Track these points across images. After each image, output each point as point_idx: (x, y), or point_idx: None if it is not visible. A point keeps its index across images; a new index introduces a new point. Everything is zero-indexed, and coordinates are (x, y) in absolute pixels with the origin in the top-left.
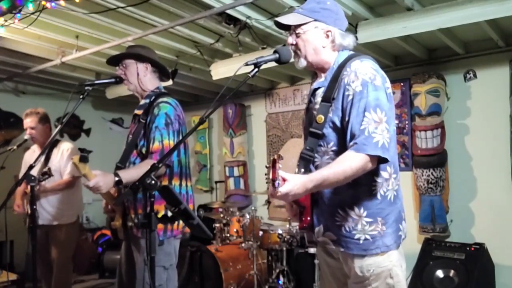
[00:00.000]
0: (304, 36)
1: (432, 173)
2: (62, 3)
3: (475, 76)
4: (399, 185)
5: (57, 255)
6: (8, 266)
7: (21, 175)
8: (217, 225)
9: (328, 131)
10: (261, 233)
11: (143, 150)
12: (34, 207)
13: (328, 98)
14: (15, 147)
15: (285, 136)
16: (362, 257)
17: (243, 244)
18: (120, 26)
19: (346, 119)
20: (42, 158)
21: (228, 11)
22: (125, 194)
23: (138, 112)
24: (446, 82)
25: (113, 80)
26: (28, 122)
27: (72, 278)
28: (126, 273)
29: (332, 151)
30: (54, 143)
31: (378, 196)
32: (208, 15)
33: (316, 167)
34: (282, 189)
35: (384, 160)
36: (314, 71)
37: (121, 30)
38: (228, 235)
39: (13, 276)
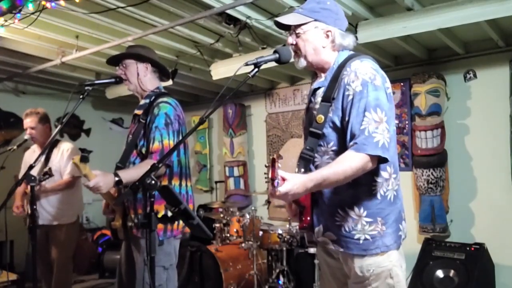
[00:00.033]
0: (304, 36)
1: (432, 173)
2: (62, 3)
3: (475, 76)
4: (399, 185)
5: (57, 255)
6: (8, 266)
7: (21, 175)
8: (217, 225)
9: (328, 131)
10: (261, 233)
11: (143, 150)
12: (34, 207)
13: (328, 98)
14: (15, 147)
15: (285, 136)
16: (362, 257)
17: (243, 244)
18: (120, 26)
19: (346, 119)
20: (42, 158)
21: (228, 11)
22: (125, 194)
23: (138, 112)
24: (446, 82)
25: (113, 80)
26: (28, 122)
27: (72, 278)
28: (126, 273)
29: (332, 151)
30: (54, 143)
31: (378, 196)
32: (208, 15)
33: (316, 167)
34: (282, 188)
35: (384, 160)
36: (314, 71)
37: (121, 30)
38: (228, 235)
39: (13, 276)
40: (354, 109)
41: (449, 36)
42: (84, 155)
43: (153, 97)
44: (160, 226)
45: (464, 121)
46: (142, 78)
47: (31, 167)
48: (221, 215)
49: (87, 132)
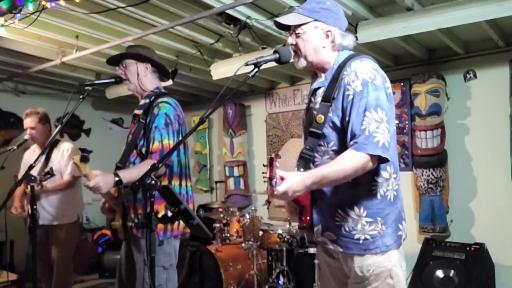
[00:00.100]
0: (304, 36)
1: (432, 173)
2: (62, 3)
3: (475, 76)
4: (399, 185)
5: (57, 255)
6: (8, 266)
7: (20, 175)
8: (217, 225)
9: (328, 131)
10: (261, 233)
11: (143, 150)
12: (34, 207)
13: (328, 98)
14: (15, 147)
15: (285, 136)
16: (362, 256)
17: (243, 244)
18: (120, 26)
19: (347, 119)
20: (42, 158)
21: (228, 11)
22: (125, 194)
23: (138, 112)
24: (446, 82)
25: (113, 80)
26: (28, 122)
27: (72, 278)
28: (126, 273)
29: (333, 150)
30: (54, 143)
31: (378, 196)
32: (208, 15)
33: (316, 167)
34: (280, 187)
35: (385, 160)
36: (314, 71)
37: (121, 30)
38: (228, 235)
39: (13, 276)
40: (355, 109)
41: (449, 36)
42: (84, 155)
43: (153, 97)
44: (160, 226)
45: (464, 121)
46: (142, 78)
47: (31, 167)
48: (221, 215)
49: (87, 132)
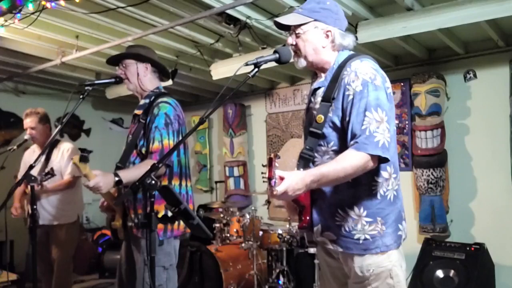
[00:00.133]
0: (304, 36)
1: (432, 173)
2: (62, 3)
3: (475, 76)
4: (399, 185)
5: (57, 254)
6: (8, 266)
7: (20, 174)
8: (217, 225)
9: (328, 131)
10: (261, 233)
11: (143, 150)
12: (35, 207)
13: (328, 98)
14: (15, 147)
15: (285, 136)
16: (361, 256)
17: (243, 244)
18: (120, 26)
19: (347, 119)
20: (42, 158)
21: (228, 11)
22: (125, 194)
23: (138, 112)
24: (446, 82)
25: (113, 80)
26: (28, 122)
27: (72, 278)
28: (126, 273)
29: (333, 150)
30: (54, 143)
31: (378, 196)
32: (208, 15)
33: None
34: (280, 188)
35: (385, 160)
36: (314, 71)
37: (121, 30)
38: (228, 235)
39: (13, 276)
40: (355, 109)
41: (449, 36)
42: (84, 155)
43: (153, 97)
44: (160, 226)
45: (464, 121)
46: (142, 78)
47: (31, 167)
48: (221, 215)
49: (87, 132)
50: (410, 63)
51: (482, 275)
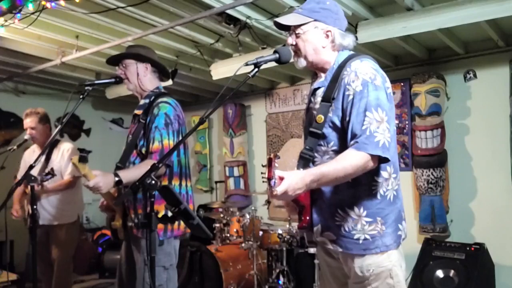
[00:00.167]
0: (304, 36)
1: (432, 173)
2: (62, 3)
3: (475, 76)
4: (399, 185)
5: (57, 254)
6: (8, 266)
7: (19, 174)
8: (217, 225)
9: (328, 131)
10: (261, 233)
11: (143, 150)
12: (35, 207)
13: (328, 98)
14: (15, 147)
15: (285, 136)
16: (361, 256)
17: (243, 244)
18: (120, 26)
19: (347, 119)
20: (42, 158)
21: (228, 11)
22: (125, 194)
23: (138, 112)
24: (446, 82)
25: (113, 80)
26: (28, 122)
27: (72, 278)
28: (126, 273)
29: (332, 150)
30: (54, 143)
31: (378, 196)
32: (208, 15)
33: None
34: (279, 188)
35: (385, 160)
36: (314, 71)
37: (121, 30)
38: (228, 235)
39: (13, 276)
40: (355, 109)
41: (449, 36)
42: (83, 155)
43: (152, 97)
44: (160, 226)
45: (464, 121)
46: (142, 78)
47: (31, 167)
48: (221, 215)
49: (87, 132)
50: (410, 63)
51: (482, 275)
